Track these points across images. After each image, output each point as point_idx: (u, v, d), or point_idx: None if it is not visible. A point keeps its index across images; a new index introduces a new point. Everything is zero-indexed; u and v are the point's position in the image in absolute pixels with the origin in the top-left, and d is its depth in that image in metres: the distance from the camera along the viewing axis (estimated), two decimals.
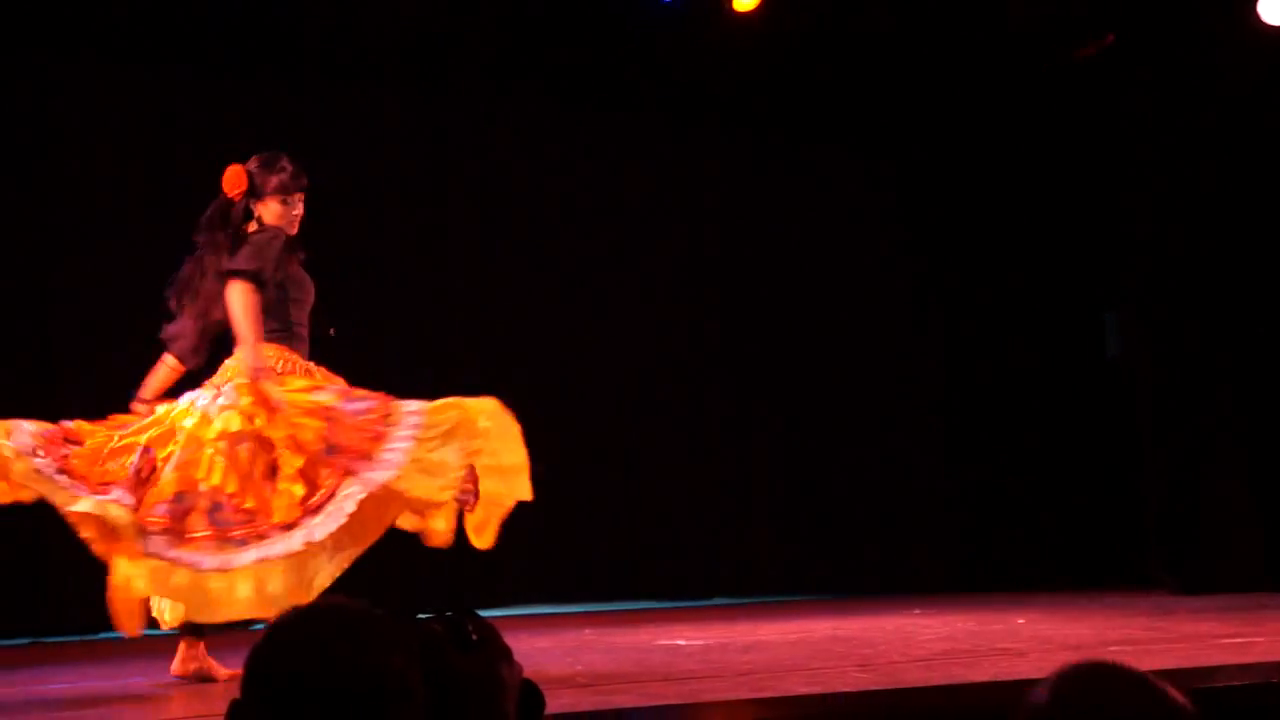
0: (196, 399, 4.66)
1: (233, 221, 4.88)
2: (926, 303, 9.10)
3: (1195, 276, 8.20)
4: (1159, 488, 8.18)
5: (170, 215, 7.26)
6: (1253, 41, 7.84)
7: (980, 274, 9.06)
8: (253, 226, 4.87)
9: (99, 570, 6.90)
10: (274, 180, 4.90)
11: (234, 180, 4.90)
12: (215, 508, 4.40)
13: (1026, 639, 5.31)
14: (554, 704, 3.47)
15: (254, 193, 4.90)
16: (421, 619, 1.43)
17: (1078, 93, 8.66)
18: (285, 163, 4.94)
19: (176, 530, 4.36)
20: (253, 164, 4.93)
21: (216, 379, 4.74)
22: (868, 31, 8.28)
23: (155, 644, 5.04)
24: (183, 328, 4.90)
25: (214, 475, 4.44)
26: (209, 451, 4.48)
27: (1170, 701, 1.31)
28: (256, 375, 4.58)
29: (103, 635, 6.92)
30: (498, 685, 1.42)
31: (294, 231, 4.93)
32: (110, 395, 5.17)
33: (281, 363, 4.74)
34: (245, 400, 4.56)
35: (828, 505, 8.74)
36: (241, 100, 7.47)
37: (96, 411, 4.66)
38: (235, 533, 4.38)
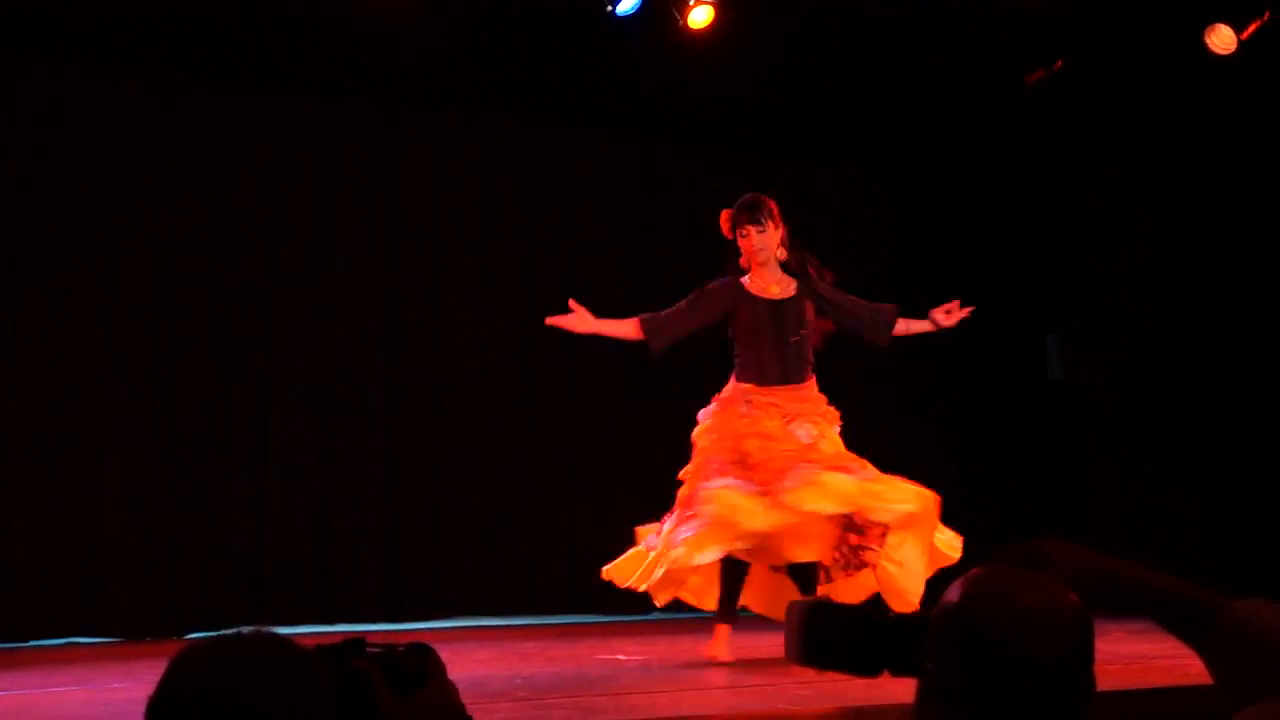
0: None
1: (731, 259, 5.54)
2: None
3: (1142, 300, 8.32)
4: (1106, 505, 8.28)
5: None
6: (1202, 69, 7.93)
7: (924, 294, 9.07)
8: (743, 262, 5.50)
9: (30, 577, 6.84)
10: (732, 217, 5.47)
11: (724, 223, 5.50)
12: None
13: None
14: (491, 717, 3.44)
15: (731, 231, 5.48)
16: (357, 655, 1.37)
17: (1027, 117, 8.72)
18: (743, 199, 5.48)
19: None
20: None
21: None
22: (820, 50, 8.29)
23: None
24: None
25: None
26: None
27: (1065, 600, 1.42)
28: None
29: (33, 643, 6.83)
30: None
31: (751, 262, 5.45)
32: None
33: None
34: None
35: None
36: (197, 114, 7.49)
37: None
38: None
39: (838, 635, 1.50)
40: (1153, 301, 8.38)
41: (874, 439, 8.95)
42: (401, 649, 1.41)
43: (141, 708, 1.28)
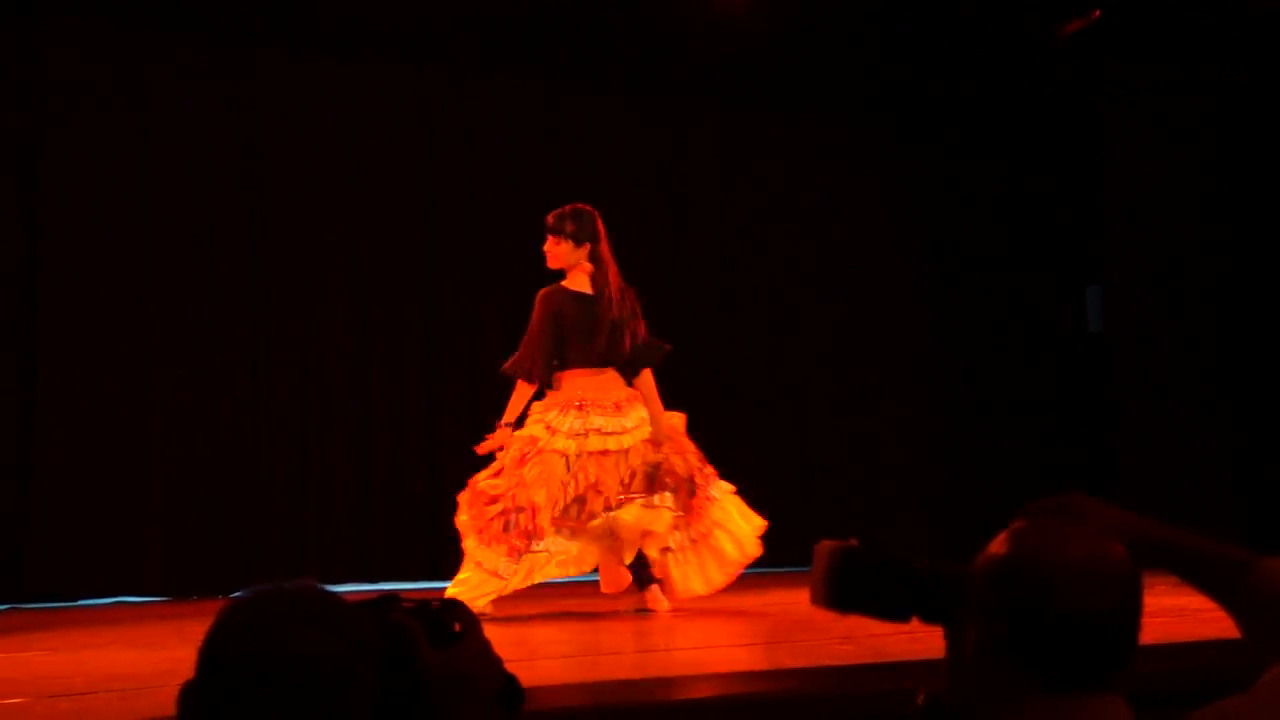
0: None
1: None
2: (910, 279, 9.08)
3: (1179, 251, 8.24)
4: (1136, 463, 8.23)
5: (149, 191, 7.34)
6: (1240, 17, 7.81)
7: (963, 249, 9.05)
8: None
9: (77, 537, 6.94)
10: None
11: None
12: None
13: None
14: (537, 675, 3.46)
15: None
16: (395, 610, 1.38)
17: (1063, 67, 8.63)
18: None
19: None
20: None
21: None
22: (851, 8, 8.24)
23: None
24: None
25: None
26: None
27: (1114, 552, 1.43)
28: None
29: (81, 603, 6.93)
30: (471, 683, 1.38)
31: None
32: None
33: None
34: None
35: (809, 481, 8.76)
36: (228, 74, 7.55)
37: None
38: None
39: (867, 580, 1.50)
40: (1196, 252, 8.28)
41: (904, 394, 9.03)
42: (435, 604, 1.42)
43: (191, 664, 1.29)
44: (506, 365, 5.66)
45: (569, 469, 5.37)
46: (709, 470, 5.63)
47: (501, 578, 5.29)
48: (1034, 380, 8.98)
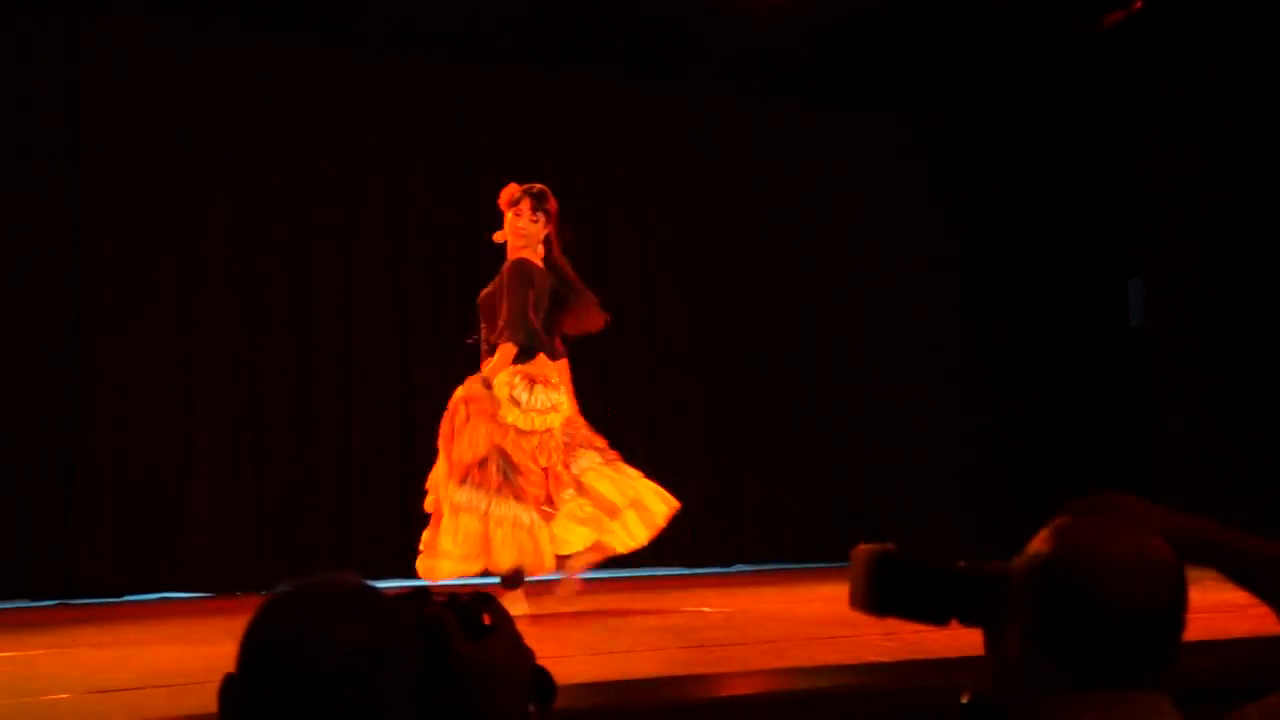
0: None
1: None
2: (948, 274, 9.03)
3: (1221, 244, 8.16)
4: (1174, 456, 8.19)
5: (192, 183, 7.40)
6: None
7: (1003, 243, 8.99)
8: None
9: (122, 533, 7.00)
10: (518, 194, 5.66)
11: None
12: None
13: None
14: (574, 673, 3.47)
15: None
16: (429, 603, 1.39)
17: (1104, 60, 8.57)
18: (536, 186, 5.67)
19: None
20: None
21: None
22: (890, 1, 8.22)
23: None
24: None
25: None
26: None
27: (1160, 549, 1.42)
28: None
29: (127, 598, 7.00)
30: (503, 675, 1.39)
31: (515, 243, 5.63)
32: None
33: None
34: None
35: (846, 474, 8.74)
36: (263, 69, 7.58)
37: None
38: None
39: (906, 584, 1.50)
40: (1238, 246, 8.20)
41: (941, 391, 8.97)
42: (465, 598, 1.43)
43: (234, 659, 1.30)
44: (521, 339, 5.47)
45: (537, 445, 5.39)
46: (600, 439, 5.58)
47: (534, 536, 5.24)
48: (1074, 375, 8.92)
